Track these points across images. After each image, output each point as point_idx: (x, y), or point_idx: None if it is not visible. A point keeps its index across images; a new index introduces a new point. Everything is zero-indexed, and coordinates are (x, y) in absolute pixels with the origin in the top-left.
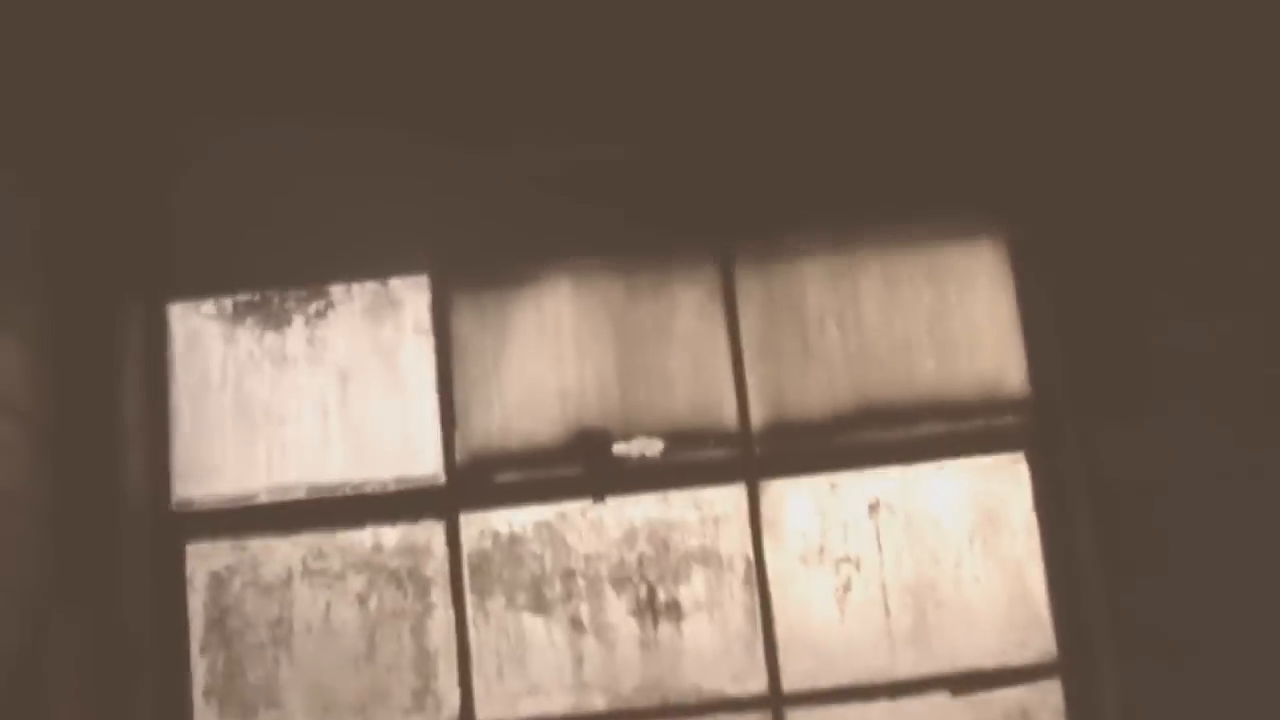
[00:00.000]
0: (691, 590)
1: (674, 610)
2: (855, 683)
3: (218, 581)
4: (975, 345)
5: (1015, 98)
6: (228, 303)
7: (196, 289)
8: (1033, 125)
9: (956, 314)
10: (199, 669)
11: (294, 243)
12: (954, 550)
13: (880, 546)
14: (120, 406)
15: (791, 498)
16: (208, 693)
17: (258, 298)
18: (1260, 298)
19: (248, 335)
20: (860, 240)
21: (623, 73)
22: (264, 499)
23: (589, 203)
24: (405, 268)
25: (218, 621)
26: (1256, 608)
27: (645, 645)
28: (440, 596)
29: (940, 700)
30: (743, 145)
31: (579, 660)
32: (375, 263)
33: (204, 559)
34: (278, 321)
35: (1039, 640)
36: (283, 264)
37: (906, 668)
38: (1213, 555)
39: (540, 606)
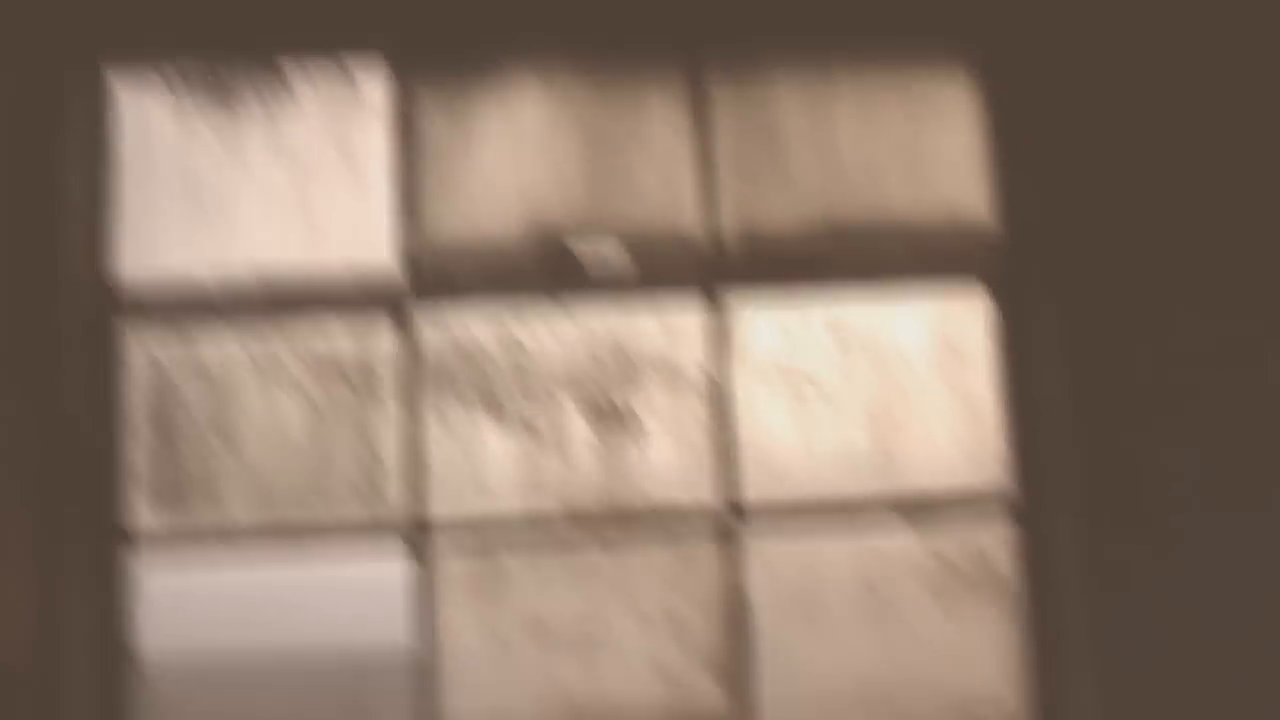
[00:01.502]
0: (650, 400)
1: (631, 419)
2: (810, 501)
3: (158, 369)
4: (945, 175)
5: None
6: (179, 83)
7: (139, 52)
8: None
9: (928, 143)
10: (136, 456)
11: (243, 8)
12: (915, 376)
13: (841, 366)
14: (61, 183)
15: (754, 312)
16: (143, 481)
17: (210, 77)
18: (1243, 116)
19: (199, 118)
20: (834, 60)
21: None
22: (210, 285)
23: None
24: (360, 44)
25: (156, 410)
26: (1232, 459)
27: (600, 454)
28: (390, 394)
29: (893, 525)
30: None
31: (532, 466)
32: (329, 36)
33: (145, 345)
34: (231, 105)
35: (994, 473)
36: (231, 30)
37: (861, 490)
38: (1183, 395)
39: (493, 408)
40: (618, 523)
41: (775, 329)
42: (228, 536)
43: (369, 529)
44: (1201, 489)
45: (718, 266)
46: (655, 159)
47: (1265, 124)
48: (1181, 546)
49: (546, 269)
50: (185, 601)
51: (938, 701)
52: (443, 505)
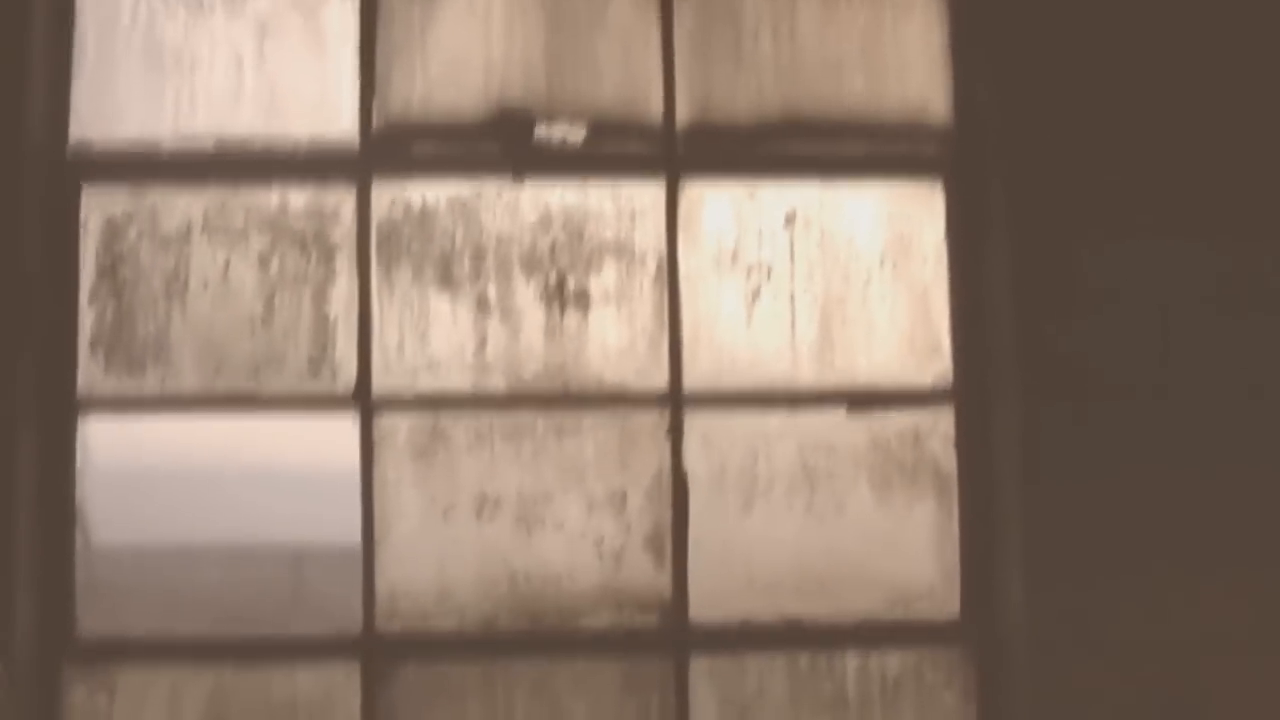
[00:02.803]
0: (601, 282)
1: (582, 300)
2: (756, 389)
3: (113, 229)
4: (905, 70)
5: None
6: None
7: None
8: None
9: (890, 37)
10: (87, 318)
11: None
12: (865, 270)
13: (793, 258)
14: (24, 43)
15: (710, 200)
16: (95, 343)
17: None
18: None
19: None
20: None
21: None
22: (168, 147)
23: None
24: None
25: (110, 270)
26: (1170, 354)
27: (551, 332)
28: (345, 264)
29: (837, 415)
30: None
31: (482, 341)
32: None
33: (100, 204)
34: None
35: (938, 367)
36: None
37: (807, 380)
38: (1127, 299)
39: (447, 283)
40: (565, 402)
41: (730, 216)
42: (177, 401)
43: (317, 399)
44: (1141, 383)
45: (675, 151)
46: (618, 40)
47: (1218, 21)
48: (1120, 440)
49: (506, 146)
50: (133, 463)
51: (872, 590)
52: (391, 378)
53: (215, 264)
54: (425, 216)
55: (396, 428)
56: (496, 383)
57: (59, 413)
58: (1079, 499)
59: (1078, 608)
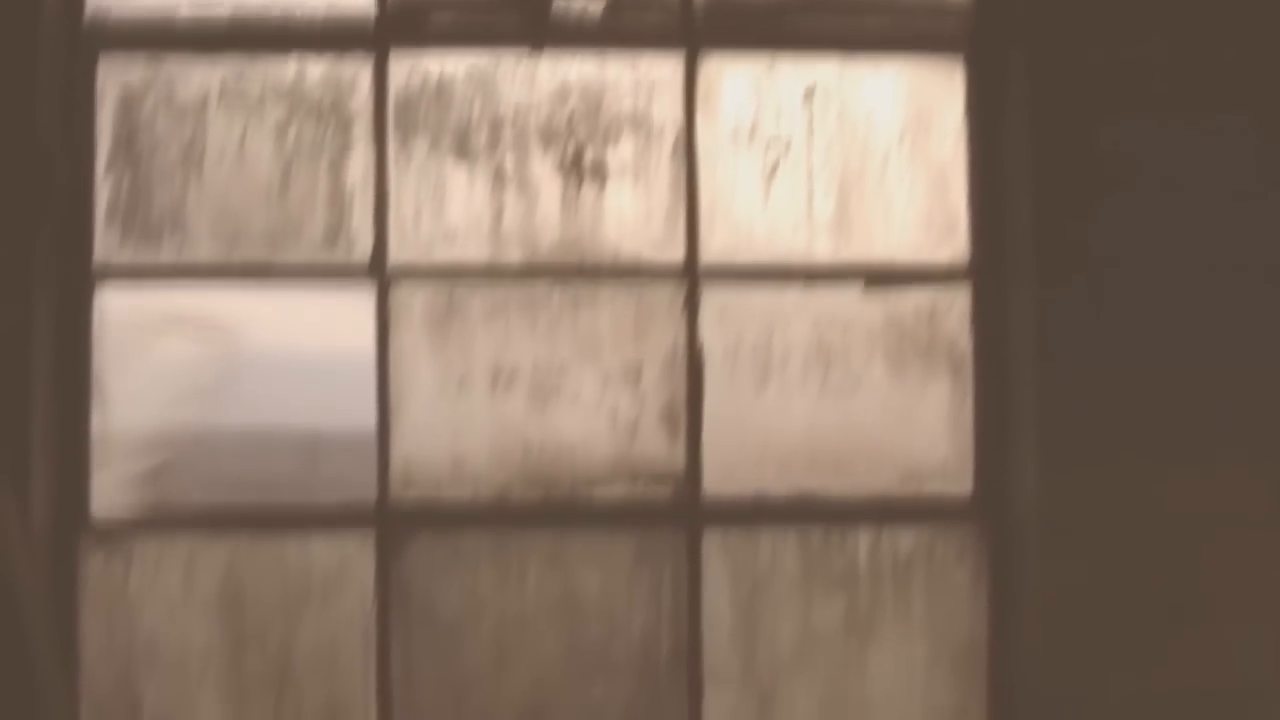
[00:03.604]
0: (619, 154)
1: (599, 172)
2: (773, 264)
3: (130, 98)
4: None
5: None
6: None
7: None
8: None
9: None
10: (104, 188)
11: None
12: (883, 146)
13: (811, 133)
14: None
15: (729, 73)
16: (111, 213)
17: None
18: None
19: None
20: None
21: None
22: (185, 15)
23: None
24: None
25: (127, 140)
26: (1189, 235)
27: (567, 204)
28: (362, 134)
29: (852, 291)
30: None
31: (499, 213)
32: None
33: (117, 74)
34: None
35: (955, 245)
36: None
37: (824, 255)
38: (1147, 179)
39: (464, 154)
40: (581, 274)
41: (748, 90)
42: (193, 272)
43: (333, 270)
44: (1158, 264)
45: (694, 23)
46: None
47: None
48: (1136, 321)
49: (524, 17)
50: (148, 334)
51: (885, 466)
52: (407, 249)
53: (232, 134)
54: (442, 87)
55: (412, 299)
56: (513, 255)
57: (76, 283)
58: (1094, 379)
59: (1090, 487)
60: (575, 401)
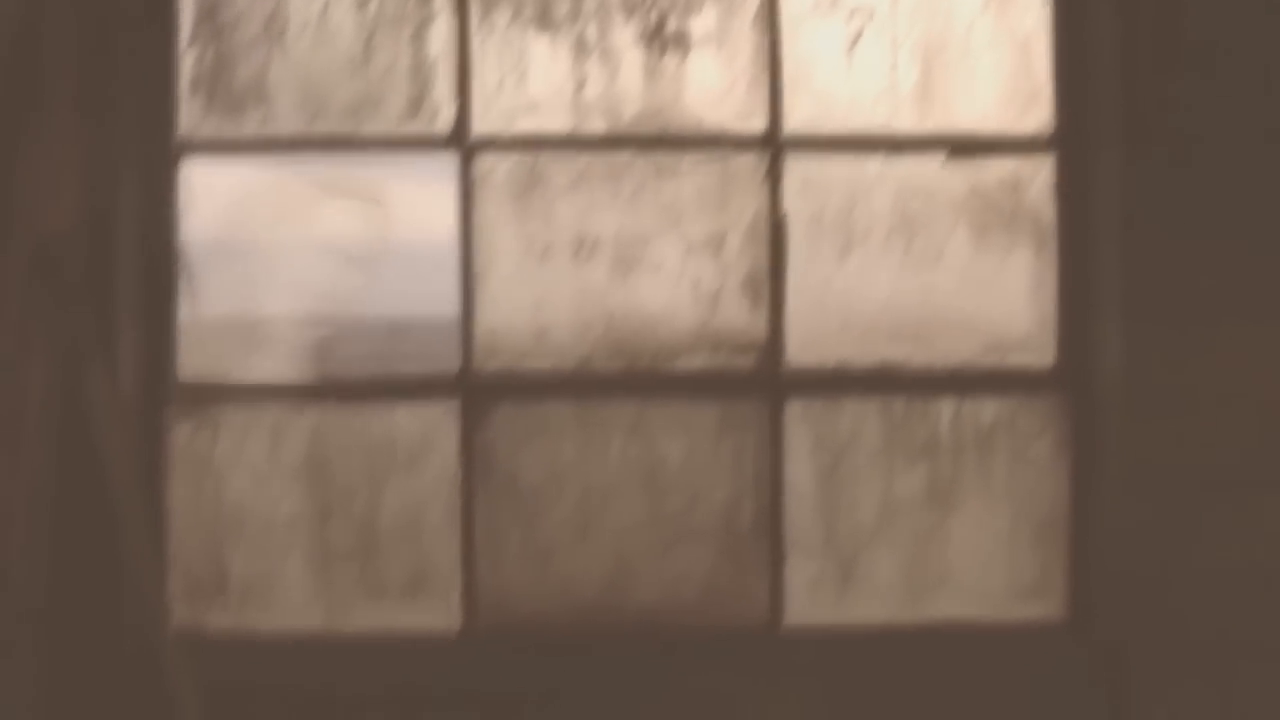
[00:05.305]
0: (701, 23)
1: (682, 41)
2: (855, 133)
3: None
4: None
5: None
6: None
7: None
8: None
9: None
10: (187, 60)
11: None
12: (967, 15)
13: (894, 1)
14: None
15: None
16: (195, 85)
17: None
18: None
19: None
20: None
21: None
22: None
23: None
24: None
25: (210, 12)
26: (1273, 105)
27: (650, 74)
28: (444, 4)
29: (935, 161)
30: None
31: (581, 83)
32: None
33: None
34: None
35: (1039, 115)
36: None
37: (907, 125)
38: (1233, 48)
39: (546, 24)
40: (663, 144)
41: None
42: (276, 143)
43: (416, 140)
44: (1243, 133)
45: None
46: None
47: None
48: (1221, 190)
49: None
50: (231, 204)
51: (968, 336)
52: (490, 119)
53: (314, 5)
54: None
55: (495, 169)
56: (595, 124)
57: (160, 155)
58: (1178, 249)
59: (1173, 358)
60: (657, 271)
